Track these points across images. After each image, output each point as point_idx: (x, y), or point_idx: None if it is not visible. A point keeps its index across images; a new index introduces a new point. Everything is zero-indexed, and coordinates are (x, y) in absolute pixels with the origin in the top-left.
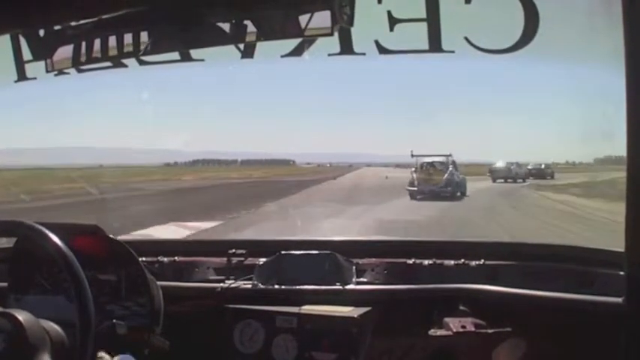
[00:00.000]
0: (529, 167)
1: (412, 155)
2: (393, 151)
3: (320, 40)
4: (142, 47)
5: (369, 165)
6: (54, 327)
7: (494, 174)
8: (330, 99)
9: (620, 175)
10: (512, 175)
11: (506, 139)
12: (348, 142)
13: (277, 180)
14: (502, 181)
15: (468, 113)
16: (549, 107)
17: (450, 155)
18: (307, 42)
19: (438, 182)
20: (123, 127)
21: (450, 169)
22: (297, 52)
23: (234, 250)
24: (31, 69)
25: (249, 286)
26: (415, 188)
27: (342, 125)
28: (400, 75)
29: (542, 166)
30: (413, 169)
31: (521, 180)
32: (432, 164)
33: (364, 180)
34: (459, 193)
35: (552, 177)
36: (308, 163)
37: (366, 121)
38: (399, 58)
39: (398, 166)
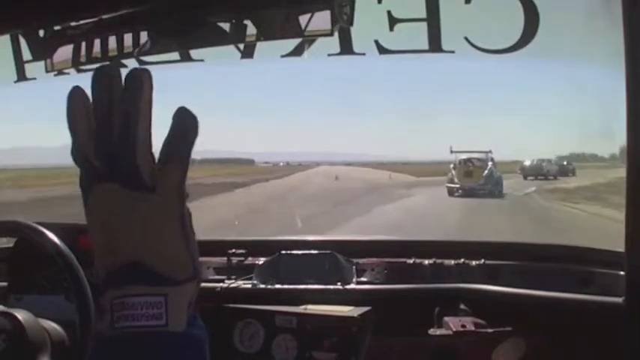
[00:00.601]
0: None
1: (451, 151)
2: (362, 150)
3: (320, 40)
4: (142, 47)
5: (318, 164)
6: (54, 326)
7: (525, 171)
8: (303, 99)
9: None
10: (543, 172)
11: (499, 137)
12: (315, 141)
13: (205, 182)
14: (532, 178)
15: (456, 112)
16: (544, 106)
17: (489, 152)
18: (307, 42)
19: (478, 179)
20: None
21: (490, 165)
22: (297, 52)
23: (233, 250)
24: (30, 69)
25: (249, 285)
26: (455, 185)
27: (312, 124)
28: (383, 75)
29: (565, 163)
30: (452, 165)
31: (552, 177)
32: (470, 161)
33: (307, 182)
34: (496, 192)
35: (574, 174)
36: (266, 162)
37: (339, 121)
38: (385, 59)
39: (363, 165)
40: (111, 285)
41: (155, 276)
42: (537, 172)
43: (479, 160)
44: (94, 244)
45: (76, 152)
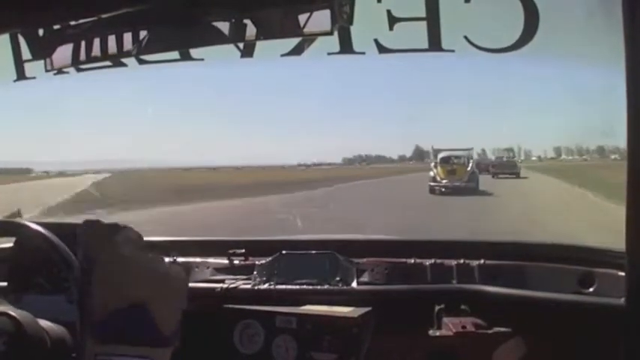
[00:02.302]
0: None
1: (433, 149)
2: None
3: (320, 40)
4: (142, 47)
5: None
6: (53, 327)
7: (497, 168)
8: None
9: None
10: (517, 170)
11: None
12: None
13: None
14: (504, 176)
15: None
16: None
17: (470, 149)
18: (307, 41)
19: (462, 176)
20: None
21: (472, 163)
22: (297, 51)
23: (234, 250)
24: (29, 68)
25: (249, 286)
26: (439, 183)
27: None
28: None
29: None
30: (432, 164)
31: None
32: (451, 159)
33: None
34: (475, 188)
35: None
36: (45, 172)
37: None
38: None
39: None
40: (99, 336)
41: (148, 330)
42: (512, 169)
43: (457, 157)
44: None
45: None
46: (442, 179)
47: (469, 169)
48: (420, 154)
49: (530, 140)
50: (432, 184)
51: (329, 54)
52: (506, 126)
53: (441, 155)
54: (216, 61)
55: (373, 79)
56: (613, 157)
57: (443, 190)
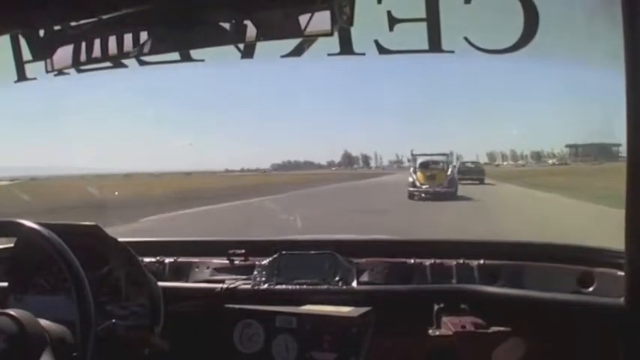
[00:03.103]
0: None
1: (412, 154)
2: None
3: (320, 40)
4: (142, 47)
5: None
6: (54, 326)
7: (463, 174)
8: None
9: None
10: (483, 176)
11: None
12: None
13: None
14: (465, 182)
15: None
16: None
17: (449, 154)
18: (307, 42)
19: (441, 181)
20: None
21: (451, 168)
22: (297, 52)
23: (234, 250)
24: (29, 69)
25: (249, 286)
26: (419, 188)
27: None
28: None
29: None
30: (411, 169)
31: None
32: (430, 164)
33: None
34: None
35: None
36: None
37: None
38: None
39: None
40: None
41: None
42: (478, 175)
43: (435, 162)
44: None
45: None
46: (422, 184)
47: (449, 173)
48: (348, 160)
49: (461, 145)
50: (412, 189)
51: (329, 55)
52: (443, 131)
53: (419, 160)
54: (215, 62)
55: (305, 85)
56: (551, 161)
57: (423, 195)
